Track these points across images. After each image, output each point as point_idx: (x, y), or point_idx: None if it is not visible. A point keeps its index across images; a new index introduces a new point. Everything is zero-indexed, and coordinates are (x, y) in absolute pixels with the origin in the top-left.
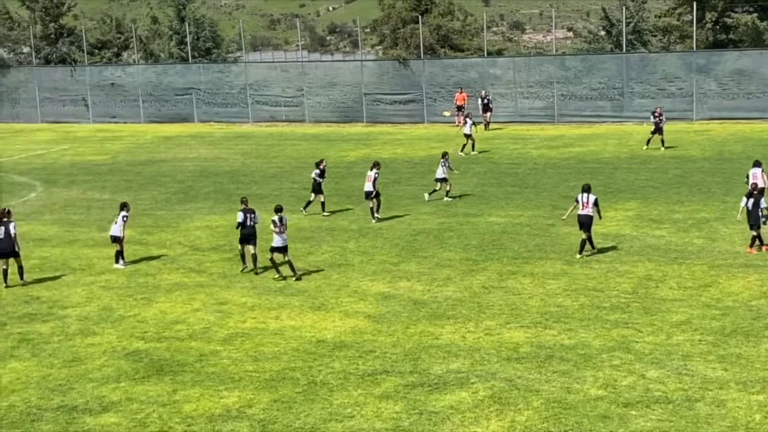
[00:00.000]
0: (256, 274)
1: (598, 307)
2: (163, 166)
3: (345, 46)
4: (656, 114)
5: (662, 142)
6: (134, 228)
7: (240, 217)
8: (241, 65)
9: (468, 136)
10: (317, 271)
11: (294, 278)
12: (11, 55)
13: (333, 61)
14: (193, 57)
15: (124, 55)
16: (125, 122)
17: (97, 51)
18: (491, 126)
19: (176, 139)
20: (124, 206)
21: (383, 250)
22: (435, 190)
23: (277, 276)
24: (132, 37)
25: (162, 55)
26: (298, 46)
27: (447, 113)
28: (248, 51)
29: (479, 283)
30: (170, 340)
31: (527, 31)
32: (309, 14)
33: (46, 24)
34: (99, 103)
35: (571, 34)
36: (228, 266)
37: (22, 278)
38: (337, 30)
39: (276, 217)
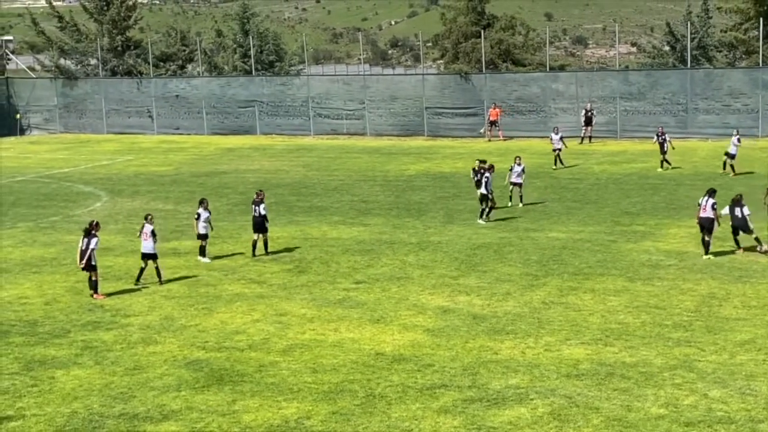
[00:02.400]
0: (267, 254)
1: (660, 325)
2: (225, 178)
3: (406, 60)
4: (659, 133)
5: (662, 162)
6: (195, 239)
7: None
8: (304, 78)
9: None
10: (376, 284)
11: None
12: (79, 67)
13: (394, 74)
14: (257, 70)
15: (189, 67)
16: (189, 134)
17: (162, 63)
18: (588, 140)
19: (238, 150)
20: (202, 202)
21: (443, 263)
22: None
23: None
24: (197, 50)
25: (226, 67)
26: (360, 59)
27: (486, 131)
28: (310, 64)
29: (539, 298)
30: (230, 350)
31: (590, 45)
32: (371, 28)
33: (113, 37)
34: (163, 115)
35: (634, 49)
36: (288, 277)
37: (94, 290)
38: (399, 44)
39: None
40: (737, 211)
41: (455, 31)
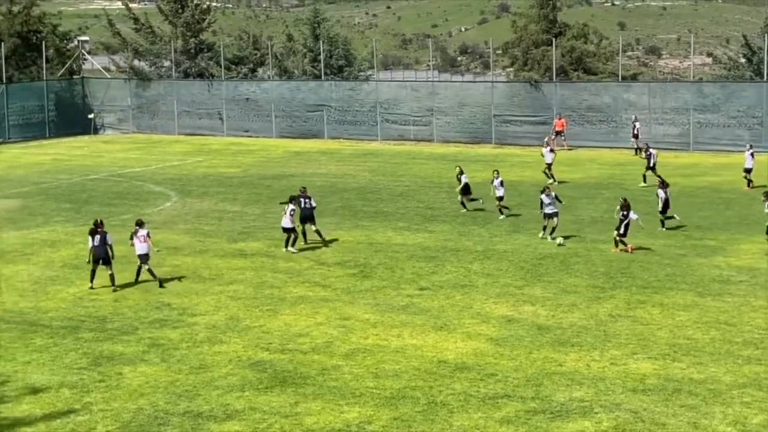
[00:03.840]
0: (325, 245)
1: (729, 342)
2: (293, 181)
3: (476, 67)
4: (646, 148)
5: (644, 177)
6: (263, 241)
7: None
8: (372, 83)
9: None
10: (441, 291)
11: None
12: (152, 69)
13: (463, 81)
14: (326, 74)
15: (260, 71)
16: (257, 136)
17: (233, 66)
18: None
19: (306, 154)
20: (292, 200)
21: (508, 273)
22: (546, 228)
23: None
24: (268, 54)
25: (296, 71)
26: (428, 65)
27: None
28: (379, 70)
29: (606, 311)
30: (294, 353)
31: (664, 56)
32: (441, 34)
33: (187, 39)
34: (233, 117)
35: (709, 60)
36: (352, 282)
37: (113, 284)
38: (469, 51)
39: (133, 230)
40: None
41: (526, 39)
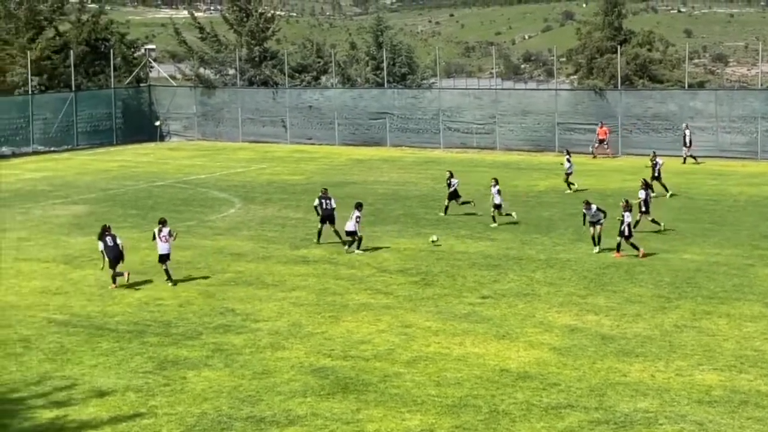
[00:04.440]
0: (344, 246)
1: None
2: (355, 188)
3: (539, 75)
4: (652, 157)
5: (664, 187)
6: (325, 248)
7: (316, 201)
8: (435, 91)
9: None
10: (503, 300)
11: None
12: (218, 77)
13: (527, 89)
14: (389, 82)
15: (323, 78)
16: (320, 144)
17: (297, 74)
18: (688, 161)
19: (368, 162)
20: (358, 206)
21: (571, 282)
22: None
23: (169, 283)
24: (331, 62)
25: (358, 79)
26: (492, 73)
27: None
28: (442, 77)
29: (671, 321)
30: (356, 359)
31: (731, 63)
32: (504, 42)
33: (251, 48)
34: (296, 125)
35: None
36: (414, 290)
37: (127, 279)
38: (532, 58)
39: (156, 229)
40: None
41: (590, 46)
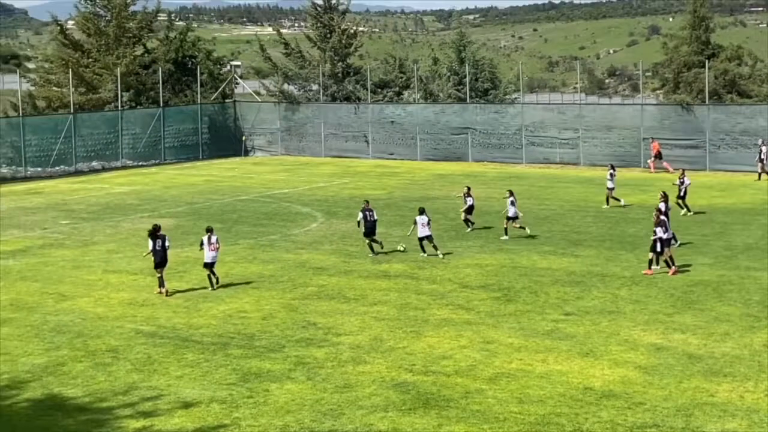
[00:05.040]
0: (376, 254)
1: None
2: (436, 203)
3: (624, 90)
4: (681, 176)
5: (686, 207)
6: (407, 262)
7: (359, 216)
8: (518, 106)
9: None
10: (587, 317)
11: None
12: (301, 92)
13: (611, 104)
14: (471, 97)
15: (405, 94)
16: (402, 159)
17: (379, 90)
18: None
19: (450, 177)
20: (423, 211)
21: (657, 299)
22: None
23: (209, 288)
24: (413, 77)
25: (441, 95)
26: (575, 88)
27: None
28: (525, 92)
29: (760, 341)
30: (437, 375)
31: None
32: (588, 57)
33: (335, 63)
34: (378, 140)
35: None
36: (496, 306)
37: (161, 287)
38: (617, 73)
39: (205, 237)
40: None
41: (677, 61)
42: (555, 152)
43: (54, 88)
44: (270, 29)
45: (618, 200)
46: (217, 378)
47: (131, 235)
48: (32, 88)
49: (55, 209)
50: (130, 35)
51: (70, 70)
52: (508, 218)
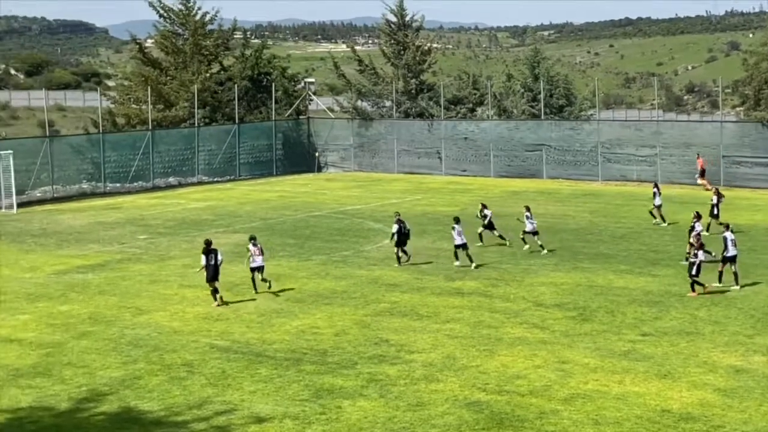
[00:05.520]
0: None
1: None
2: (510, 221)
3: (703, 107)
4: (716, 192)
5: (708, 226)
6: (480, 280)
7: (395, 228)
8: (594, 123)
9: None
10: (664, 338)
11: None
12: (374, 109)
13: (689, 121)
14: (545, 114)
15: (478, 110)
16: (475, 176)
17: (452, 106)
18: None
19: (524, 194)
20: (457, 220)
21: (737, 320)
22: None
23: (254, 292)
24: (487, 94)
25: (514, 111)
26: (653, 104)
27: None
28: (601, 109)
29: None
30: (511, 394)
31: None
32: (666, 73)
33: (408, 80)
34: (451, 156)
35: None
36: (571, 325)
37: (215, 299)
38: (695, 89)
39: (250, 245)
40: None
41: (758, 77)
42: (632, 169)
43: (133, 105)
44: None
45: (654, 217)
46: (290, 394)
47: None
48: (112, 106)
49: (132, 224)
50: (207, 53)
51: (149, 87)
52: (525, 232)
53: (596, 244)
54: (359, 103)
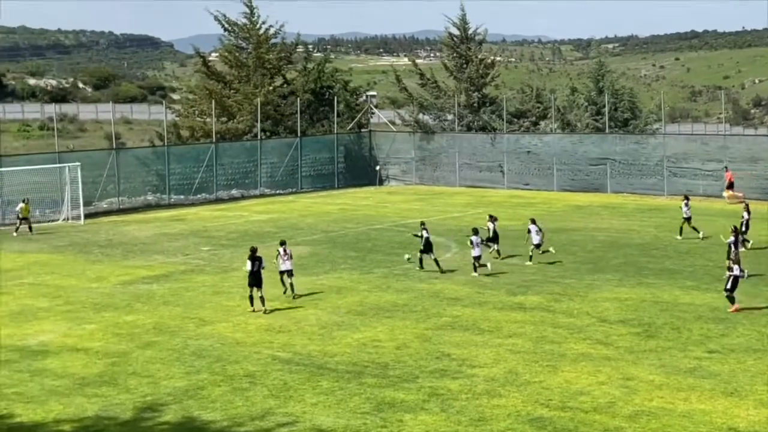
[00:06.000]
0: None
1: None
2: (573, 235)
3: None
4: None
5: (744, 242)
6: (542, 295)
7: (423, 233)
8: (659, 137)
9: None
10: (731, 355)
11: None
12: (436, 122)
13: (757, 135)
14: (610, 127)
15: (542, 124)
16: (538, 189)
17: (515, 120)
18: None
19: (588, 208)
20: (476, 231)
21: None
22: None
23: (283, 291)
24: (550, 107)
25: (578, 125)
26: (719, 118)
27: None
28: (667, 123)
29: None
30: (574, 411)
31: None
32: (733, 86)
33: (470, 93)
34: (514, 170)
35: None
36: (636, 341)
37: (263, 306)
38: (763, 103)
39: (280, 249)
40: None
41: None
42: (698, 184)
43: (197, 118)
44: (406, 60)
45: (697, 231)
46: (352, 406)
47: (267, 262)
48: (177, 119)
49: (196, 236)
50: (270, 66)
51: (213, 100)
52: (535, 245)
53: (661, 259)
54: (421, 116)
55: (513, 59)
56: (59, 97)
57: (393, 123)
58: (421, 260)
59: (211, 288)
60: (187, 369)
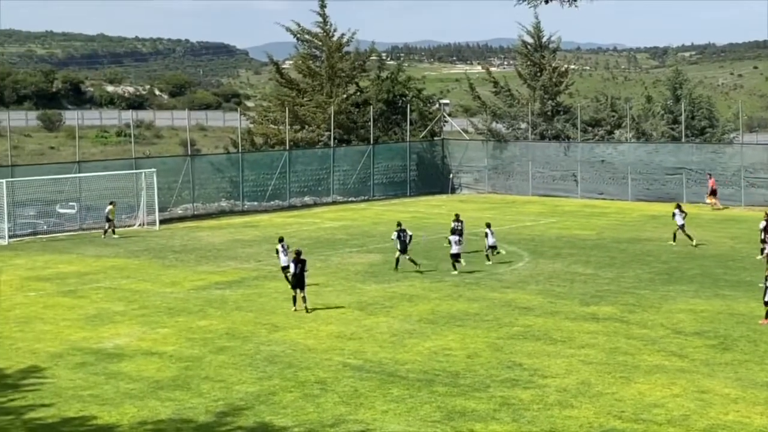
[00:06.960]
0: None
1: None
2: (648, 245)
3: None
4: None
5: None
6: (616, 305)
7: (394, 235)
8: (737, 146)
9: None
10: None
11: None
12: (509, 131)
13: None
14: (686, 136)
15: (616, 133)
16: (612, 199)
17: (590, 128)
18: None
19: (663, 218)
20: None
21: None
22: None
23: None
24: (625, 116)
25: (654, 134)
26: None
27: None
28: (744, 132)
29: None
30: (648, 423)
31: None
32: None
33: (544, 102)
34: (587, 179)
35: None
36: (711, 354)
37: (305, 304)
38: None
39: (279, 246)
40: None
41: None
42: None
43: (271, 125)
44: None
45: (690, 238)
46: (422, 415)
47: (340, 269)
48: (251, 126)
49: (269, 242)
50: (343, 74)
51: (286, 108)
52: (490, 247)
53: (738, 271)
54: (494, 124)
55: (588, 67)
56: (136, 103)
57: (466, 131)
58: (397, 260)
59: (283, 294)
60: (259, 374)
